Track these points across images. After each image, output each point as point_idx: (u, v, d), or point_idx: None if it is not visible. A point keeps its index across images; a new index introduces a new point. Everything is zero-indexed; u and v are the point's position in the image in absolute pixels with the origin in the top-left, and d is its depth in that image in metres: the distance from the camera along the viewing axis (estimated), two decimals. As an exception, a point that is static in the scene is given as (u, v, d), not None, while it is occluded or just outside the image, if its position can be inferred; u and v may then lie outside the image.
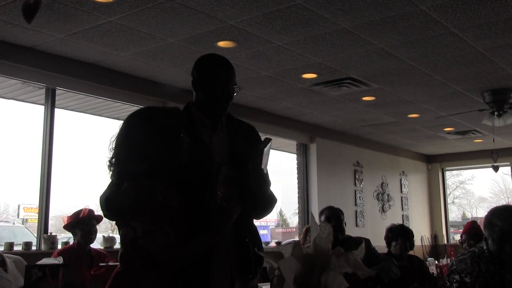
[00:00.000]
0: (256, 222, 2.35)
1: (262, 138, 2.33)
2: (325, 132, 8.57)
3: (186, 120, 2.17)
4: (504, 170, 10.78)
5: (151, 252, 1.81)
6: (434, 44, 4.87)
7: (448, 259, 6.87)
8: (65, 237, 5.57)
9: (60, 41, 4.70)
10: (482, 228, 3.99)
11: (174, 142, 1.96)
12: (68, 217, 4.18)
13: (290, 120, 7.89)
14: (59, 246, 4.79)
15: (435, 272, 5.29)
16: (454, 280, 2.78)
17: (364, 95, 6.66)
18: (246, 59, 5.22)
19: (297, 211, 8.60)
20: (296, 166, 8.41)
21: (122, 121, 2.04)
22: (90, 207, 4.30)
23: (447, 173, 12.01)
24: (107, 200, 1.96)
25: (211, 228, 1.95)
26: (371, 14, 4.19)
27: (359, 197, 9.22)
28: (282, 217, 20.56)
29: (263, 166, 2.08)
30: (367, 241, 3.68)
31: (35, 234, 5.27)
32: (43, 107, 5.23)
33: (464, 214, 22.24)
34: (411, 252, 4.51)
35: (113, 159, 1.96)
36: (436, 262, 6.72)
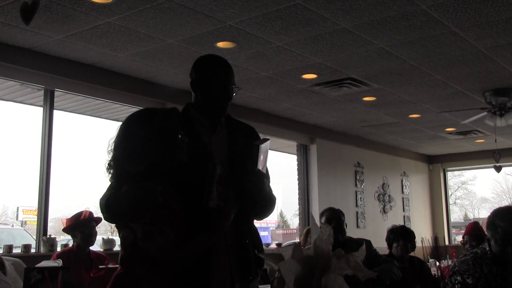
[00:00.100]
0: (257, 224, 2.34)
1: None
2: (326, 133, 8.55)
3: (186, 121, 2.17)
4: (506, 170, 10.77)
5: (150, 254, 1.81)
6: (435, 44, 4.85)
7: (450, 261, 6.86)
8: (64, 239, 5.55)
9: (59, 43, 4.69)
10: (484, 229, 3.97)
11: (173, 142, 1.95)
12: (67, 219, 4.15)
13: (290, 121, 7.88)
14: (58, 249, 4.77)
15: (436, 274, 5.28)
16: (456, 281, 2.76)
17: (365, 96, 6.64)
18: (246, 59, 5.20)
19: (297, 212, 8.59)
20: (297, 167, 8.39)
21: (120, 123, 2.04)
22: (90, 209, 4.29)
23: (449, 174, 12.00)
24: (106, 203, 1.96)
25: (210, 228, 1.95)
26: (372, 14, 4.17)
27: (360, 198, 9.20)
28: (282, 218, 20.57)
29: (260, 166, 2.08)
30: (368, 243, 3.66)
31: (34, 237, 5.25)
32: (41, 108, 5.22)
33: (466, 215, 22.24)
34: (412, 254, 4.48)
35: (112, 161, 1.95)
36: (438, 263, 6.71)
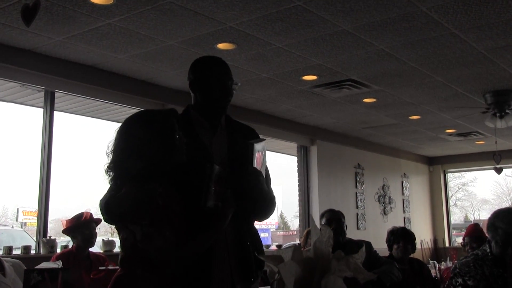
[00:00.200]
0: (257, 225, 2.34)
1: (262, 140, 2.36)
2: (326, 134, 8.55)
3: (186, 123, 2.17)
4: (506, 172, 10.76)
5: (150, 255, 1.81)
6: (435, 45, 4.85)
7: (450, 262, 6.85)
8: (64, 240, 5.54)
9: (59, 44, 4.69)
10: (484, 230, 3.97)
11: (172, 143, 1.96)
12: (67, 220, 4.14)
13: (290, 122, 7.87)
14: (58, 250, 4.76)
15: (436, 276, 5.27)
16: (457, 283, 2.77)
17: (365, 97, 6.64)
18: (246, 61, 5.20)
19: (298, 213, 8.58)
20: (297, 168, 8.39)
21: (120, 124, 2.04)
22: (90, 210, 4.29)
23: (449, 175, 11.99)
24: (106, 204, 1.97)
25: (208, 228, 1.95)
26: (372, 15, 4.17)
27: (360, 199, 9.19)
28: (282, 220, 20.55)
29: (256, 165, 2.08)
30: (368, 244, 3.66)
31: (34, 238, 5.24)
32: (42, 109, 5.22)
33: (466, 216, 22.21)
34: (412, 255, 4.48)
35: (111, 163, 1.96)
36: (438, 265, 6.70)
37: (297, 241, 8.92)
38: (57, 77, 5.11)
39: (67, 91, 5.34)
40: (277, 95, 6.52)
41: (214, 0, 3.87)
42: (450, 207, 11.91)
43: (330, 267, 1.39)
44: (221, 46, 4.77)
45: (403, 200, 10.49)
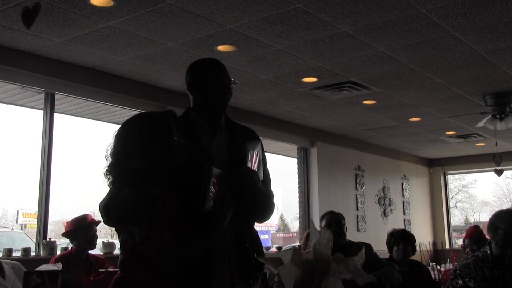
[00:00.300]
0: (257, 227, 2.34)
1: (262, 142, 2.37)
2: (326, 136, 8.55)
3: (186, 125, 2.18)
4: (507, 173, 10.74)
5: (149, 257, 1.81)
6: (435, 48, 4.85)
7: (451, 264, 6.84)
8: (64, 242, 5.54)
9: (59, 46, 4.69)
10: (485, 232, 3.97)
11: (170, 144, 1.96)
12: (69, 223, 4.12)
13: (290, 124, 7.87)
14: (58, 252, 4.76)
15: (436, 278, 5.27)
16: (458, 285, 2.77)
17: (365, 99, 6.64)
18: (246, 63, 5.21)
19: (298, 215, 8.57)
20: (297, 170, 8.38)
21: (119, 126, 2.04)
22: (91, 213, 4.28)
23: (449, 177, 11.98)
24: (106, 207, 1.97)
25: (207, 230, 1.95)
26: (372, 18, 4.17)
27: (361, 201, 9.19)
28: (283, 222, 20.55)
29: (250, 165, 2.10)
30: (369, 246, 3.65)
31: (34, 240, 5.24)
32: (42, 111, 5.22)
33: (466, 218, 22.21)
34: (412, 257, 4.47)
35: (111, 166, 1.96)
36: (438, 267, 6.70)
37: (297, 243, 8.92)
38: (57, 79, 5.11)
39: (67, 93, 5.34)
40: (277, 97, 6.53)
41: (214, 2, 3.87)
42: (450, 209, 11.90)
43: (330, 269, 1.39)
44: (221, 48, 4.78)
45: (403, 202, 10.48)
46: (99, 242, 4.53)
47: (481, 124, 6.73)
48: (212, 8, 3.96)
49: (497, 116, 6.52)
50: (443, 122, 7.92)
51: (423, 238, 10.57)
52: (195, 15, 4.08)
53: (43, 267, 3.28)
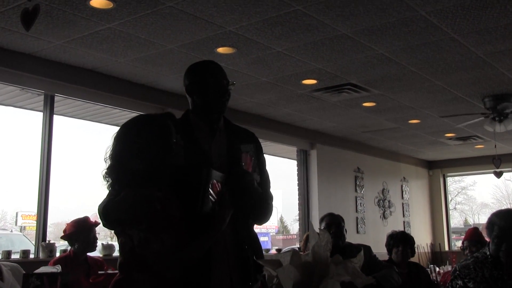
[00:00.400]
0: (257, 229, 2.34)
1: (262, 144, 2.37)
2: (326, 138, 8.55)
3: (185, 127, 2.18)
4: (506, 176, 10.75)
5: (148, 259, 1.81)
6: (435, 50, 4.86)
7: (450, 266, 6.83)
8: (63, 244, 5.53)
9: (59, 48, 4.69)
10: (484, 233, 3.96)
11: (169, 146, 1.96)
12: (69, 225, 4.11)
13: (290, 126, 7.87)
14: (58, 254, 4.75)
15: (436, 279, 5.26)
16: (458, 285, 2.77)
17: (365, 101, 6.65)
18: (246, 65, 5.21)
19: (297, 217, 8.56)
20: (297, 172, 8.38)
21: (118, 128, 2.04)
22: (90, 215, 4.27)
23: (449, 179, 11.98)
24: (104, 210, 1.97)
25: (206, 231, 1.95)
26: (371, 20, 4.17)
27: (360, 203, 9.19)
28: (282, 224, 20.53)
29: (245, 167, 2.10)
30: (368, 248, 3.65)
31: (33, 242, 5.23)
32: (41, 113, 5.22)
33: (466, 220, 22.21)
34: (413, 259, 4.47)
35: (110, 168, 1.96)
36: (438, 269, 6.69)
37: (297, 245, 8.91)
38: (56, 81, 5.11)
39: (67, 95, 5.34)
40: (277, 99, 6.53)
41: (214, 4, 3.87)
42: (450, 211, 11.90)
43: (329, 272, 1.39)
44: (221, 50, 4.78)
45: (402, 204, 10.48)
46: (98, 244, 4.53)
47: (467, 123, 6.73)
48: (211, 10, 3.96)
49: (496, 118, 6.52)
50: (442, 124, 7.92)
51: (423, 240, 10.56)
52: (195, 17, 4.08)
53: (43, 269, 3.28)
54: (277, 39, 4.56)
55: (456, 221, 20.10)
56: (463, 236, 5.34)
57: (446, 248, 11.07)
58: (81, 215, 4.18)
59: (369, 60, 5.13)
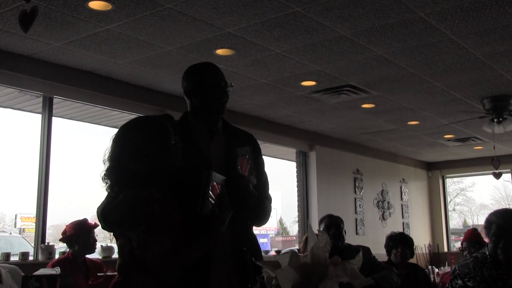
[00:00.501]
0: (256, 231, 2.34)
1: (261, 146, 2.37)
2: (325, 140, 8.55)
3: (183, 129, 2.19)
4: (505, 177, 10.75)
5: (147, 261, 1.81)
6: (434, 51, 4.86)
7: (449, 267, 6.83)
8: (62, 246, 5.52)
9: (58, 50, 4.69)
10: (482, 233, 3.97)
11: (167, 147, 1.96)
12: (69, 227, 4.10)
13: (289, 128, 7.87)
14: (57, 256, 4.74)
15: (435, 280, 5.26)
16: (457, 285, 2.77)
17: (364, 103, 6.65)
18: (245, 66, 5.21)
19: (297, 219, 8.56)
20: (296, 174, 8.38)
21: (116, 130, 2.04)
22: (89, 217, 4.27)
23: (448, 180, 11.98)
24: (103, 212, 1.97)
25: (205, 233, 1.95)
26: (370, 21, 4.18)
27: (359, 205, 9.18)
28: (282, 225, 20.53)
29: (241, 170, 2.12)
30: (367, 250, 3.65)
31: (33, 244, 5.22)
32: (40, 115, 5.21)
33: (465, 221, 22.22)
34: (412, 260, 4.47)
35: (108, 170, 1.96)
36: (437, 270, 6.69)
37: (297, 247, 8.90)
38: (55, 82, 5.11)
39: (66, 97, 5.34)
40: (276, 101, 6.53)
41: (213, 6, 3.87)
42: (449, 212, 11.90)
43: (327, 273, 1.38)
44: (219, 52, 4.78)
45: (401, 205, 10.48)
46: (97, 246, 4.53)
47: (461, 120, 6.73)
48: (210, 12, 3.96)
49: (495, 120, 6.53)
50: (441, 126, 7.92)
51: (422, 241, 10.56)
52: (194, 18, 4.08)
53: (42, 272, 3.28)
54: (276, 41, 4.56)
55: (455, 222, 20.12)
56: (462, 237, 5.34)
57: (445, 249, 11.07)
58: (80, 217, 4.19)
59: (368, 62, 5.13)
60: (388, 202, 10.00)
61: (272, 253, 7.75)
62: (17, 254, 4.88)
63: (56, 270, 3.47)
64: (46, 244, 4.91)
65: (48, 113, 5.19)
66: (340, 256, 1.53)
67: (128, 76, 5.48)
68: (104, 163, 1.98)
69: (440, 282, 5.53)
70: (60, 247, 5.53)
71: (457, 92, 6.21)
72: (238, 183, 2.08)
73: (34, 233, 5.18)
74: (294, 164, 8.46)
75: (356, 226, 9.02)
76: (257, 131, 6.60)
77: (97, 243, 4.21)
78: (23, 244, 8.07)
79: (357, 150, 9.28)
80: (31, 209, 5.23)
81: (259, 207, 2.23)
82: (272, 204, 2.34)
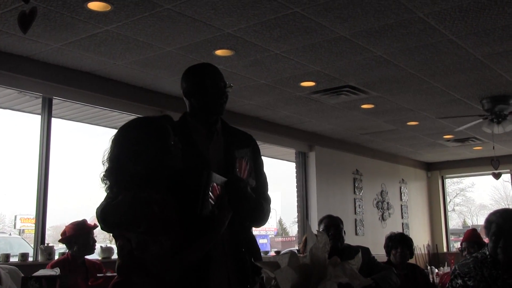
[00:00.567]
0: (256, 231, 2.35)
1: (260, 146, 2.37)
2: (324, 140, 8.55)
3: (183, 129, 2.19)
4: (504, 177, 10.76)
5: (147, 262, 1.81)
6: (433, 52, 4.87)
7: (448, 268, 6.83)
8: (62, 247, 5.53)
9: (57, 50, 4.69)
10: (482, 234, 3.97)
11: (167, 147, 1.96)
12: (69, 228, 4.10)
13: (288, 129, 7.88)
14: (56, 257, 4.74)
15: (434, 281, 5.26)
16: (457, 285, 2.77)
17: (363, 103, 6.65)
18: (244, 67, 5.21)
19: (296, 220, 8.56)
20: (295, 174, 8.38)
21: (116, 131, 2.04)
22: (88, 218, 4.27)
23: (447, 181, 11.99)
24: (102, 213, 1.97)
25: (205, 234, 1.95)
26: (369, 22, 4.18)
27: (359, 205, 9.19)
28: (281, 226, 20.53)
29: (239, 172, 2.12)
30: (367, 250, 3.65)
31: (32, 245, 5.22)
32: (39, 116, 5.21)
33: (464, 221, 22.23)
34: (411, 261, 4.47)
35: (108, 171, 1.96)
36: (436, 270, 6.69)
37: (296, 247, 8.90)
38: (54, 83, 5.11)
39: (65, 97, 5.34)
40: (275, 102, 6.53)
41: (212, 7, 3.88)
42: (448, 213, 11.91)
43: (326, 273, 1.39)
44: (219, 52, 4.78)
45: (401, 205, 10.48)
46: (97, 246, 4.53)
47: (466, 125, 6.73)
48: (210, 12, 3.96)
49: (494, 120, 6.53)
50: (441, 126, 7.93)
51: (421, 241, 10.56)
52: (193, 19, 4.08)
53: (41, 272, 3.28)
54: (275, 41, 4.56)
55: (454, 222, 20.13)
56: (461, 238, 5.34)
57: (445, 250, 11.07)
58: (80, 218, 4.18)
59: (367, 62, 5.13)
60: (388, 203, 10.01)
61: (272, 253, 7.75)
62: (16, 255, 4.88)
63: (56, 271, 3.47)
64: (45, 245, 4.91)
65: (47, 114, 5.19)
66: (340, 257, 1.53)
67: (127, 77, 5.48)
68: (103, 164, 1.98)
69: (439, 283, 5.53)
70: (60, 248, 5.53)
71: (457, 92, 6.22)
72: (236, 185, 2.08)
73: (33, 234, 5.18)
74: (293, 164, 8.46)
75: (356, 227, 9.02)
76: (257, 131, 6.60)
77: (96, 244, 4.21)
78: (22, 245, 8.07)
79: (357, 150, 9.29)
80: (31, 210, 5.24)
81: (258, 209, 2.23)
82: (271, 205, 2.34)
